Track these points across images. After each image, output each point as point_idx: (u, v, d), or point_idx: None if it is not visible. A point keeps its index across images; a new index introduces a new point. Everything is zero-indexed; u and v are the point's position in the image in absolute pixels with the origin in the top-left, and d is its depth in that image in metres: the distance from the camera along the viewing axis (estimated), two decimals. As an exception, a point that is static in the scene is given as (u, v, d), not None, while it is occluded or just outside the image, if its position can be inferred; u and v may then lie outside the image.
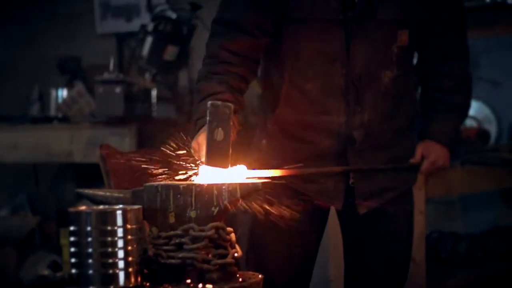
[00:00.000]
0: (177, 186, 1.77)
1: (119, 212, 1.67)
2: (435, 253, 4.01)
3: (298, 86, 2.33)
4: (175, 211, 1.77)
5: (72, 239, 1.67)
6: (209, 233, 1.74)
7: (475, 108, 4.63)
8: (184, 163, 1.92)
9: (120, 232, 1.66)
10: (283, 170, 2.14)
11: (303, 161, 2.31)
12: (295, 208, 2.31)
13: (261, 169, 1.97)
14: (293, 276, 2.40)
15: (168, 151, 1.92)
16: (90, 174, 3.14)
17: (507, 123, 4.75)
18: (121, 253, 1.66)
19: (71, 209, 1.69)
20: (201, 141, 1.97)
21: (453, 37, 2.50)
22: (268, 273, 1.93)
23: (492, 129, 4.75)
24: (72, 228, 1.67)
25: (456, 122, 2.59)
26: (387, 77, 2.34)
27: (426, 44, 2.47)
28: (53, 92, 4.87)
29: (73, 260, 1.68)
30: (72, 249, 1.67)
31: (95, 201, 1.82)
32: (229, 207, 1.76)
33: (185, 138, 1.97)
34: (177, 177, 1.89)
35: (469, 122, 4.53)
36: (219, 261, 1.74)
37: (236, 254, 1.79)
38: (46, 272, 3.68)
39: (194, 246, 1.73)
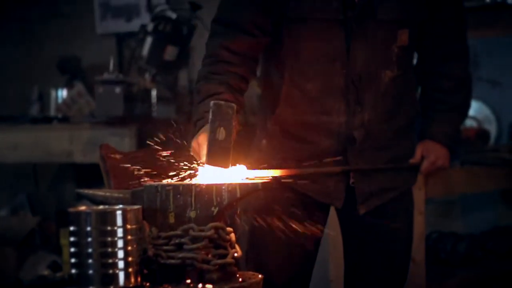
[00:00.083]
0: (177, 186, 1.77)
1: (119, 212, 1.67)
2: (435, 253, 4.01)
3: (298, 86, 2.33)
4: (175, 211, 1.77)
5: (72, 239, 1.67)
6: (209, 233, 1.74)
7: (475, 108, 4.63)
8: (184, 163, 1.92)
9: (120, 232, 1.66)
10: (283, 170, 2.14)
11: (303, 161, 2.32)
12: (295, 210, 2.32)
13: (261, 169, 1.98)
14: (293, 276, 2.40)
15: (168, 152, 1.92)
16: (90, 174, 3.13)
17: (507, 123, 4.75)
18: (121, 253, 1.66)
19: (71, 209, 1.69)
20: (201, 141, 1.97)
21: (453, 37, 2.50)
22: (268, 273, 1.93)
23: (492, 129, 4.75)
24: (72, 228, 1.67)
25: (456, 122, 2.59)
26: (387, 77, 2.34)
27: (426, 44, 2.47)
28: (53, 92, 4.87)
29: (73, 260, 1.68)
30: (72, 249, 1.67)
31: (95, 201, 1.82)
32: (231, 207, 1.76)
33: (184, 139, 1.97)
34: (176, 178, 1.89)
35: (469, 122, 4.53)
36: (219, 261, 1.74)
37: (236, 254, 1.79)
38: (46, 272, 3.68)
39: (194, 246, 1.73)
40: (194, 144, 2.01)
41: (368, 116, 2.32)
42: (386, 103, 2.35)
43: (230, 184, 1.77)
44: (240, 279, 1.79)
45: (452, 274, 3.89)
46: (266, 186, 1.82)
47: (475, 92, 2.74)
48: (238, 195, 1.76)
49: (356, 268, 2.46)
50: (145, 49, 4.36)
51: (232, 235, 1.80)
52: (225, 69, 2.24)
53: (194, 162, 1.94)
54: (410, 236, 2.50)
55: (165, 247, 1.75)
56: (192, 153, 2.01)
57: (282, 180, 2.15)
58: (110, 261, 1.65)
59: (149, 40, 4.35)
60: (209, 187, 1.76)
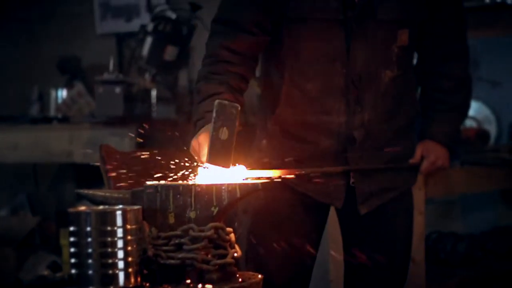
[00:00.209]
0: (177, 187, 1.77)
1: (118, 213, 1.67)
2: (434, 253, 4.01)
3: (298, 86, 2.33)
4: (174, 211, 1.77)
5: (71, 239, 1.67)
6: (209, 233, 1.74)
7: (475, 108, 4.63)
8: (183, 164, 1.92)
9: (119, 233, 1.66)
10: (283, 170, 2.14)
11: (303, 161, 2.32)
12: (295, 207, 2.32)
13: (261, 169, 1.97)
14: (293, 276, 2.40)
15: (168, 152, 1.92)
16: (90, 174, 3.13)
17: (507, 123, 4.75)
18: (120, 254, 1.66)
19: (71, 210, 1.68)
20: (201, 141, 1.97)
21: (453, 37, 2.50)
22: (268, 273, 1.93)
23: (492, 129, 4.75)
24: (71, 228, 1.67)
25: (456, 122, 2.59)
26: (387, 77, 2.34)
27: (426, 44, 2.47)
28: (53, 92, 4.87)
29: (72, 260, 1.68)
30: (72, 250, 1.67)
31: (95, 201, 1.82)
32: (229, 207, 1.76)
33: (184, 139, 1.97)
34: (176, 178, 1.89)
35: (469, 122, 4.53)
36: (219, 262, 1.74)
37: (235, 254, 1.79)
38: (45, 272, 3.67)
39: (194, 246, 1.73)
40: (194, 143, 2.01)
41: (368, 116, 2.32)
42: (386, 103, 2.35)
43: (230, 184, 1.77)
44: (240, 279, 1.79)
45: (452, 274, 3.89)
46: (266, 186, 1.82)
47: (475, 92, 2.74)
48: (238, 195, 1.76)
49: (356, 268, 2.46)
50: (145, 49, 4.36)
51: (232, 235, 1.80)
52: (225, 68, 2.24)
53: (194, 162, 1.94)
54: (410, 236, 2.50)
55: (165, 247, 1.75)
56: (191, 152, 2.01)
57: (282, 180, 2.15)
58: (110, 261, 1.65)
59: (149, 40, 4.35)
60: (209, 187, 1.76)
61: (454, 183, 3.63)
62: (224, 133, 1.86)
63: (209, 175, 1.87)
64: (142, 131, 3.47)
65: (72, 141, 4.18)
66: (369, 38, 2.29)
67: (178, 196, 1.76)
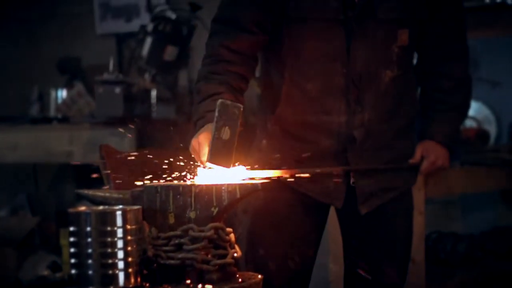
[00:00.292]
0: (177, 187, 1.77)
1: (118, 213, 1.67)
2: (434, 253, 4.01)
3: (299, 86, 2.33)
4: (174, 211, 1.77)
5: (71, 239, 1.67)
6: (209, 233, 1.74)
7: (475, 108, 4.63)
8: (183, 164, 1.92)
9: (119, 233, 1.66)
10: (283, 170, 2.14)
11: (303, 161, 2.32)
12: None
13: (261, 169, 1.97)
14: (293, 276, 2.40)
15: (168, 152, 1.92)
16: (90, 174, 3.13)
17: (507, 123, 4.76)
18: (120, 254, 1.66)
19: (71, 210, 1.69)
20: (202, 140, 1.97)
21: (453, 37, 2.50)
22: (267, 273, 1.94)
23: (492, 129, 4.75)
24: (71, 228, 1.67)
25: (455, 122, 2.59)
26: (387, 76, 2.34)
27: (426, 44, 2.46)
28: (53, 93, 4.86)
29: (72, 260, 1.68)
30: (72, 250, 1.67)
31: (95, 201, 1.82)
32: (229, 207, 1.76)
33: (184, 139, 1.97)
34: (176, 178, 1.89)
35: (469, 123, 4.53)
36: (219, 262, 1.74)
37: (235, 255, 1.79)
38: (45, 272, 3.67)
39: (194, 246, 1.73)
40: (194, 143, 2.01)
41: (368, 116, 2.32)
42: (386, 103, 2.35)
43: (230, 184, 1.77)
44: (240, 279, 1.79)
45: (452, 274, 3.89)
46: (266, 186, 1.82)
47: (475, 92, 2.74)
48: (238, 195, 1.76)
49: (356, 268, 2.46)
50: (145, 49, 4.36)
51: (232, 236, 1.80)
52: (225, 68, 2.24)
53: (194, 162, 1.94)
54: (410, 236, 2.49)
55: (164, 248, 1.75)
56: (191, 152, 2.01)
57: (282, 180, 2.14)
58: (110, 261, 1.65)
59: (149, 40, 4.35)
60: (208, 187, 1.76)
61: (454, 183, 3.63)
62: (226, 133, 1.86)
63: (209, 175, 1.87)
64: (132, 126, 3.48)
65: (72, 141, 4.18)
66: (369, 38, 2.29)
67: (178, 196, 1.76)
